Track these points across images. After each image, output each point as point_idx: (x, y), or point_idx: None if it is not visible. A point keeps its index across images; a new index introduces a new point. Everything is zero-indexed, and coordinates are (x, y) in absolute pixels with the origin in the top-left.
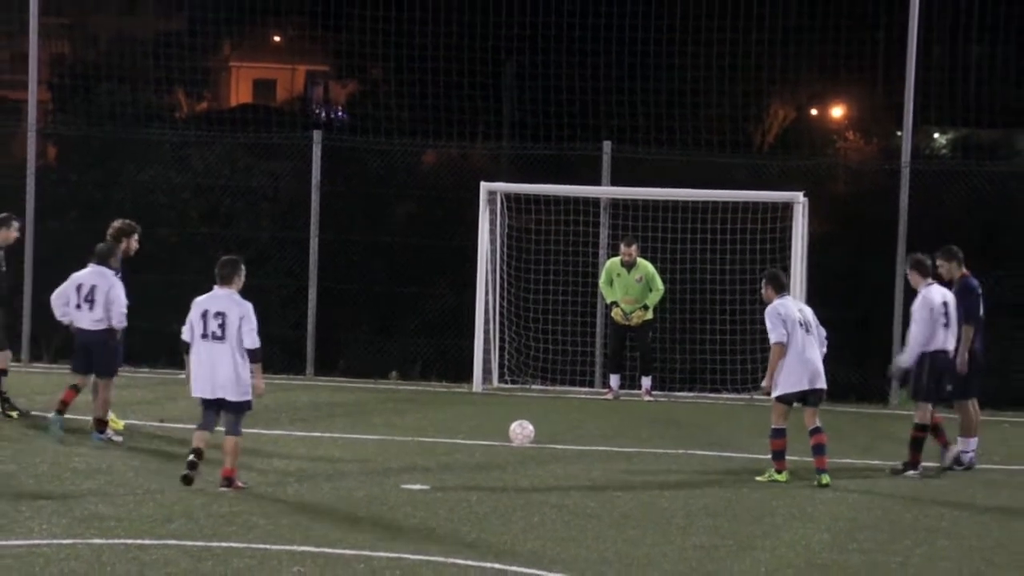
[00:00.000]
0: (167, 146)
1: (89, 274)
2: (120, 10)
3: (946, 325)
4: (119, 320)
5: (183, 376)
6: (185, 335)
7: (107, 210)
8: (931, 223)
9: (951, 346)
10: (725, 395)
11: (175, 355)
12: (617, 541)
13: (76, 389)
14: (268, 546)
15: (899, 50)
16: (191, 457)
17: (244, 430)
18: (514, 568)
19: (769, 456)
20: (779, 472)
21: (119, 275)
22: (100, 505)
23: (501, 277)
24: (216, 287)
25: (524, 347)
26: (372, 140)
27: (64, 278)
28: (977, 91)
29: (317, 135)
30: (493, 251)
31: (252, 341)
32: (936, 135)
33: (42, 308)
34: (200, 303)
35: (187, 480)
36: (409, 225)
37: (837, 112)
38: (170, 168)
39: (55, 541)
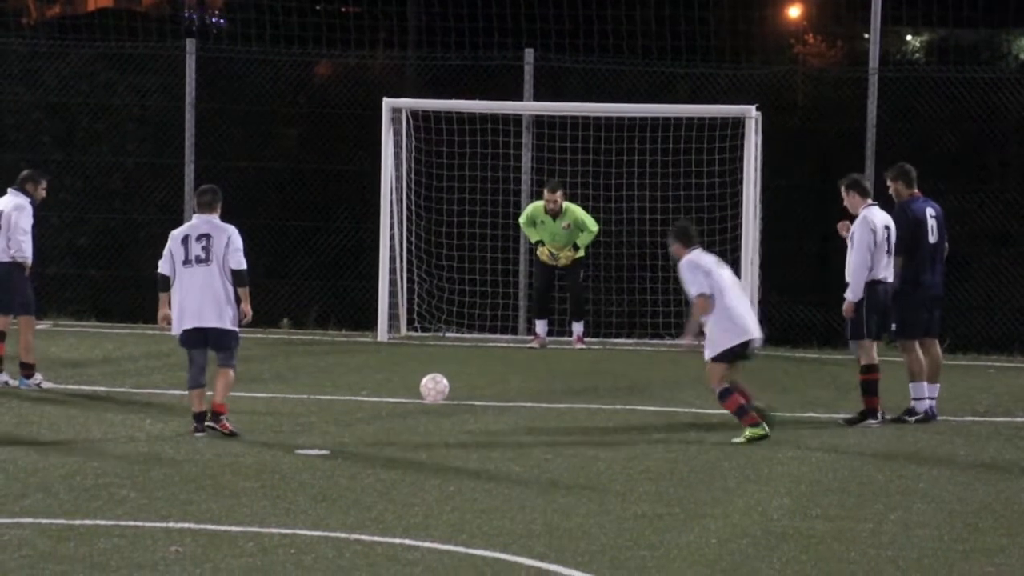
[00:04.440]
0: (13, 57)
1: (2, 200)
2: None
3: (889, 252)
4: (16, 249)
5: (162, 319)
6: (163, 268)
7: None
8: (904, 138)
9: (892, 277)
10: (669, 342)
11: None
12: (546, 511)
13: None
14: (140, 523)
15: None
16: (195, 424)
17: (118, 389)
18: (427, 544)
19: (727, 414)
20: (755, 426)
21: (33, 203)
22: None
23: (408, 208)
24: (195, 216)
25: (436, 289)
26: (255, 49)
27: None
28: None
29: (191, 44)
30: (398, 178)
31: (238, 262)
32: (909, 37)
33: None
34: (178, 233)
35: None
36: (300, 149)
37: (794, 12)
38: (17, 83)
39: None
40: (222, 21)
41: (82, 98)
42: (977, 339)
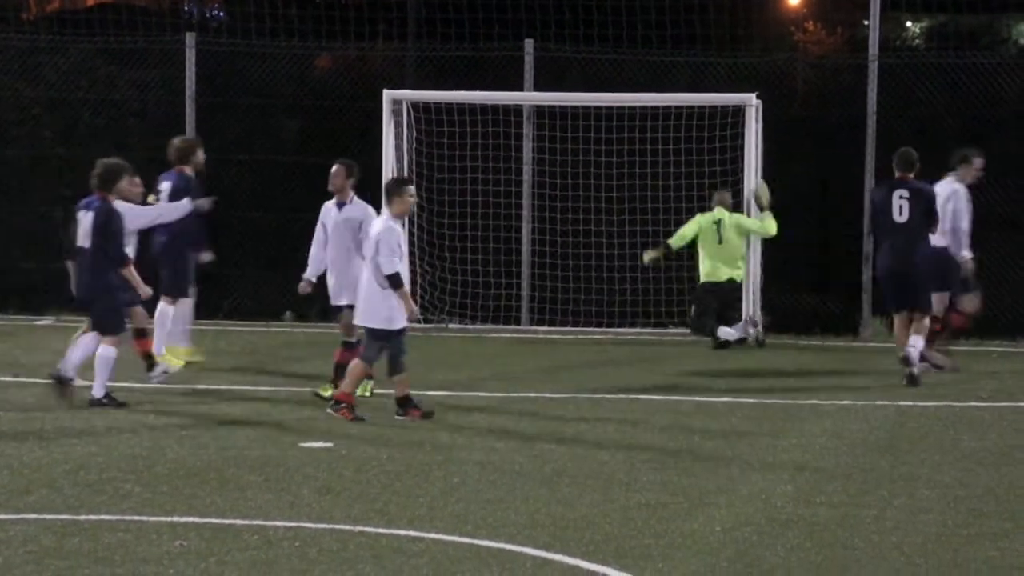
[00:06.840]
0: (12, 52)
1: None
2: None
3: None
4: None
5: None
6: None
7: None
8: (904, 125)
9: None
10: (672, 330)
11: (30, 295)
12: (550, 501)
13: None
14: (145, 518)
15: None
16: (397, 408)
17: (122, 384)
18: (432, 535)
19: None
20: None
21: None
22: None
23: None
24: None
25: (439, 280)
26: (255, 43)
27: None
28: None
29: (190, 38)
30: (400, 170)
31: (386, 266)
32: (909, 23)
33: None
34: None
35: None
36: (301, 142)
37: None
38: (17, 79)
39: None
40: (222, 14)
41: (82, 93)
42: (980, 324)
